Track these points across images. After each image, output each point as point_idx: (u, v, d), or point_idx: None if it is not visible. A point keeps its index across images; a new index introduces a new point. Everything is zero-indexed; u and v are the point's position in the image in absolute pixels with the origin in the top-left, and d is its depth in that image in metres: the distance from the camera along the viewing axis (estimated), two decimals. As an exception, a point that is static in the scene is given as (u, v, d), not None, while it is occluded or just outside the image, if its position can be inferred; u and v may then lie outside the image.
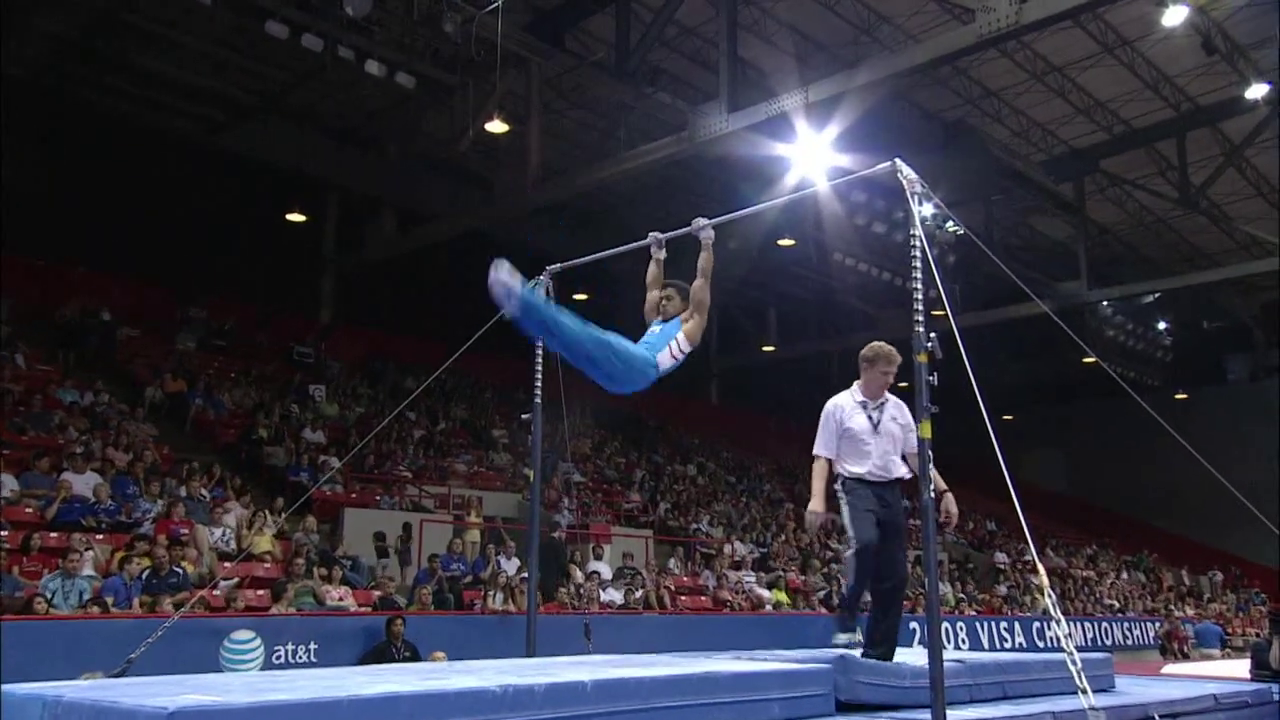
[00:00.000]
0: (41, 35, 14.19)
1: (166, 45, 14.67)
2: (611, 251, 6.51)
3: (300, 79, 15.94)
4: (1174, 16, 15.23)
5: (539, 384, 7.05)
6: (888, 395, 5.33)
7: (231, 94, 16.43)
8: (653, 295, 5.56)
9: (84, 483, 10.87)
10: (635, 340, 5.18)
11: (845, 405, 5.30)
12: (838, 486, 5.25)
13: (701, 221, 5.60)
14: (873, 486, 5.17)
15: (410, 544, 13.11)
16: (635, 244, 5.96)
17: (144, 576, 9.58)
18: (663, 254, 5.74)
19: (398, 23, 13.11)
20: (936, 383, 4.34)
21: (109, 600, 9.16)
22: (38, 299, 15.87)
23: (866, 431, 5.19)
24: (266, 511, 11.87)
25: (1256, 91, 17.39)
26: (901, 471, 5.25)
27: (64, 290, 16.32)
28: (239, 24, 12.59)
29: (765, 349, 28.89)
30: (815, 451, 5.33)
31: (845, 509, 5.22)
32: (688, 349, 5.23)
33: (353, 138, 19.39)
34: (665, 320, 5.37)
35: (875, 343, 5.35)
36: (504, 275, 4.26)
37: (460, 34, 13.19)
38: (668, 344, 5.19)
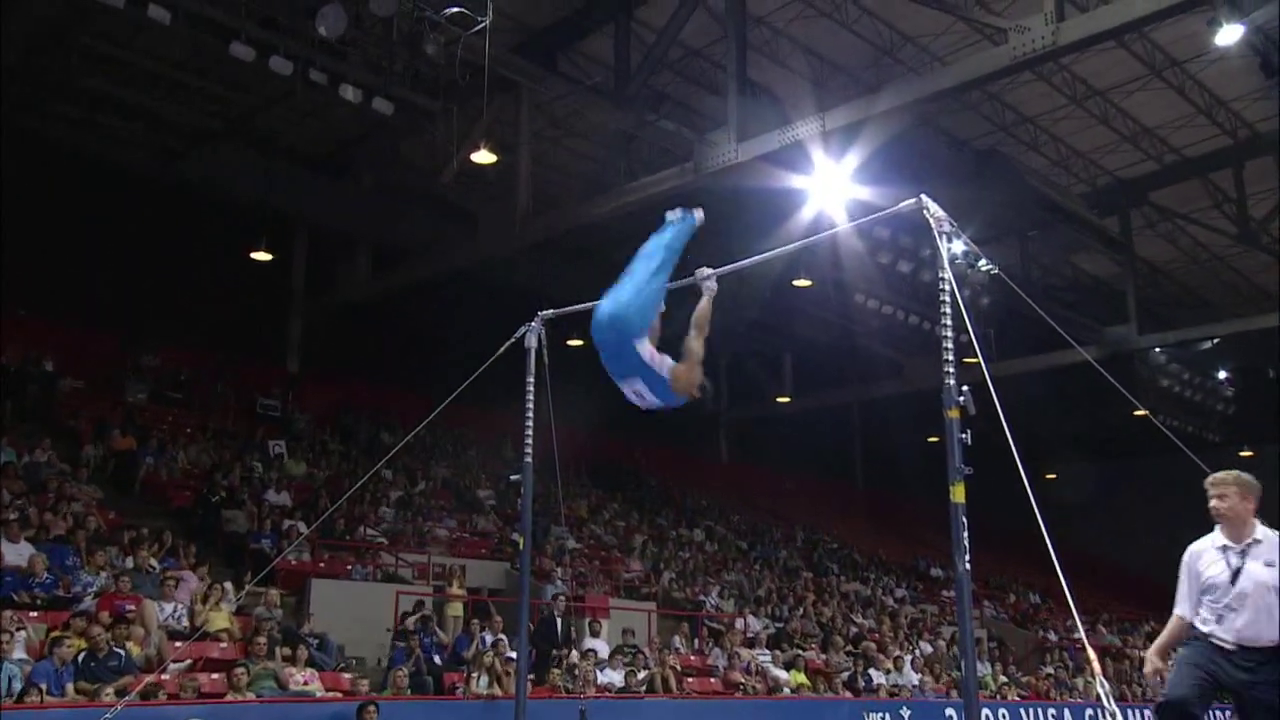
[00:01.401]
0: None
1: (119, 67, 14.83)
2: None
3: (267, 104, 16.12)
4: (1228, 36, 15.29)
5: (530, 439, 7.05)
6: (1261, 534, 4.78)
7: (191, 120, 16.60)
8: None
9: (17, 553, 10.80)
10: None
11: (1204, 550, 4.87)
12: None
13: (705, 271, 5.66)
14: (1220, 650, 4.71)
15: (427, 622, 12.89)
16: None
17: (80, 660, 9.45)
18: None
19: (375, 44, 13.26)
20: (970, 440, 4.34)
21: (43, 687, 9.05)
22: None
23: (1221, 584, 4.73)
24: (224, 584, 11.78)
25: (1323, 115, 17.52)
26: (1270, 638, 4.60)
27: (1, 338, 16.32)
28: (201, 44, 12.74)
29: (780, 400, 28.89)
30: (1176, 610, 4.95)
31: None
32: (664, 375, 5.35)
33: (324, 168, 19.57)
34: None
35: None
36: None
37: (444, 56, 13.34)
38: (652, 348, 5.37)
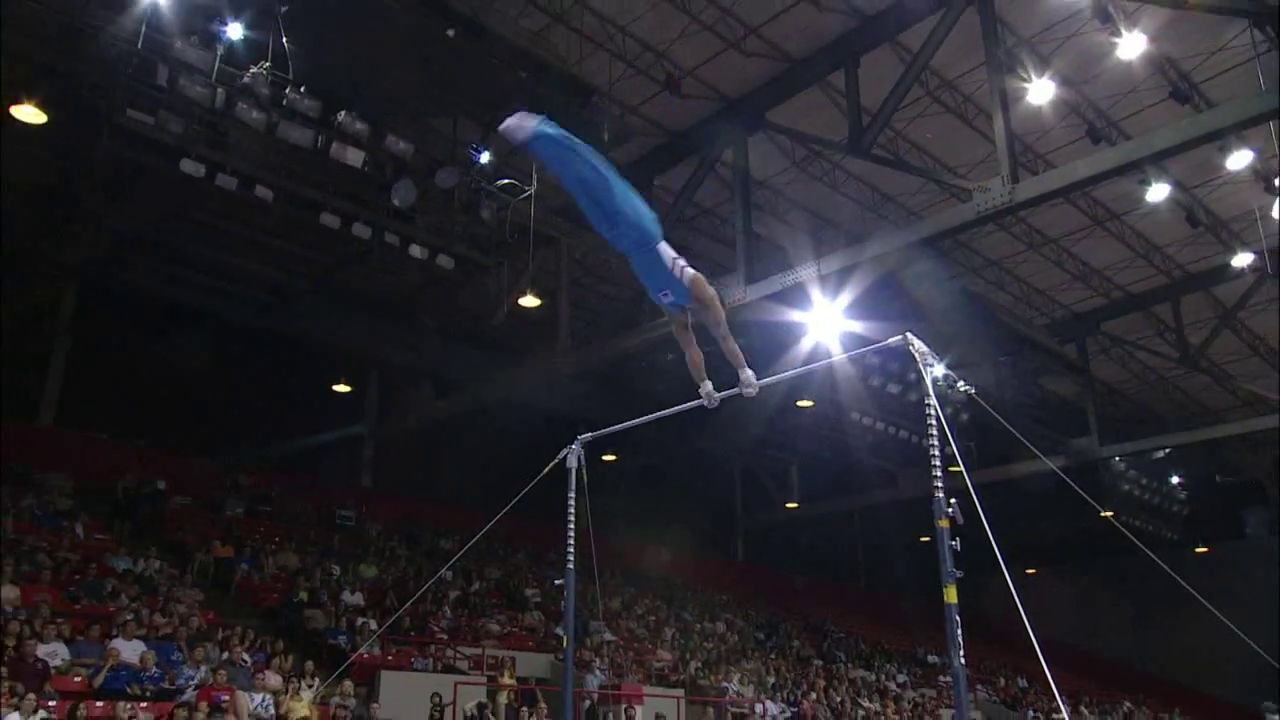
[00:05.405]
0: (108, 230, 14.61)
1: (226, 236, 15.32)
2: (647, 418, 6.66)
3: (346, 262, 16.54)
4: (1157, 194, 15.83)
5: (571, 546, 7.04)
6: None
7: (280, 278, 17.03)
8: (694, 352, 5.63)
9: (131, 650, 10.74)
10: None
11: None
12: None
13: (752, 379, 5.66)
14: None
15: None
16: (683, 407, 6.02)
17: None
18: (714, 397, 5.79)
19: (439, 210, 13.74)
20: (959, 546, 4.32)
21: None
22: (99, 473, 16.13)
23: None
24: (303, 677, 11.60)
25: (1242, 260, 17.68)
26: None
27: (123, 464, 16.60)
28: (295, 216, 13.19)
29: (788, 506, 28.58)
30: None
31: None
32: (688, 283, 5.21)
33: (393, 314, 19.93)
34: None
35: None
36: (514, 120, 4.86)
37: (496, 219, 13.81)
38: (675, 253, 5.25)
